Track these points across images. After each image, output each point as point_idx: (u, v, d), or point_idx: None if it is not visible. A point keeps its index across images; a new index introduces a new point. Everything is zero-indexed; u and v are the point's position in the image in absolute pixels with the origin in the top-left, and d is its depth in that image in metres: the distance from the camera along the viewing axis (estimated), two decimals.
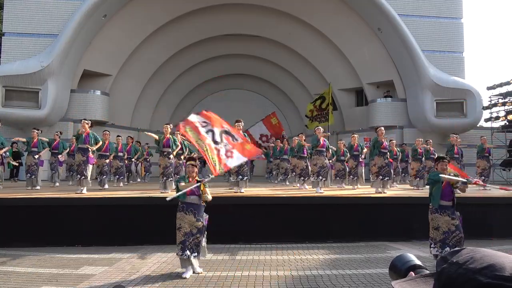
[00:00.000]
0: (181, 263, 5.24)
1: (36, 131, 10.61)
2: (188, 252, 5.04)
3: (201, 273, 5.25)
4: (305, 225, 7.83)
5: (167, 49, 18.49)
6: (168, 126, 9.36)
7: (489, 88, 16.06)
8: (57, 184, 11.30)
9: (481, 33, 54.60)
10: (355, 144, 11.28)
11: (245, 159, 5.21)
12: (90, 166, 9.02)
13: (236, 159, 5.04)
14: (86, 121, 9.16)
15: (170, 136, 9.24)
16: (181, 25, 17.55)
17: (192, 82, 21.99)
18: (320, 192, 9.05)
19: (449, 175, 5.35)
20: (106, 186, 10.51)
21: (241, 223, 7.67)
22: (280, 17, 17.68)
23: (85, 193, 8.54)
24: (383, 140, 9.65)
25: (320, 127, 9.86)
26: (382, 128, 10.04)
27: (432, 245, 5.46)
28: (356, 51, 17.78)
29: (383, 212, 8.04)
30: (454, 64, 16.66)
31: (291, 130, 23.83)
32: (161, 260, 6.10)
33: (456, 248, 0.70)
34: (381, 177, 9.52)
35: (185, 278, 5.03)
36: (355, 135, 11.43)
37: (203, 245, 5.24)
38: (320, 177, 9.35)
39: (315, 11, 17.12)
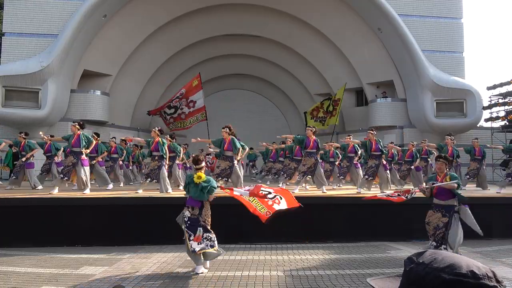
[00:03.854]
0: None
1: (24, 135, 10.49)
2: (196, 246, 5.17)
3: (202, 273, 5.26)
4: (305, 225, 7.83)
5: (167, 49, 18.50)
6: (155, 130, 9.28)
7: (489, 88, 16.07)
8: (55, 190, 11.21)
9: (481, 33, 54.63)
10: (350, 145, 11.11)
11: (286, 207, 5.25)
12: (87, 168, 9.01)
13: (283, 205, 5.18)
14: (75, 124, 9.01)
15: (160, 139, 9.16)
16: (181, 25, 17.56)
17: None
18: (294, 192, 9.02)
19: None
20: (110, 186, 10.44)
21: (241, 223, 7.66)
22: (280, 17, 17.69)
23: (87, 192, 8.56)
24: (372, 142, 9.45)
25: (313, 128, 9.58)
26: (372, 130, 9.75)
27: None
28: (356, 51, 17.78)
29: (383, 212, 8.04)
30: (454, 64, 16.67)
31: (291, 130, 23.80)
32: (161, 260, 6.09)
33: (420, 250, 0.85)
34: (366, 176, 9.53)
35: (197, 274, 5.19)
36: (350, 136, 11.19)
37: (211, 250, 5.24)
38: (306, 177, 9.31)
39: (315, 11, 17.13)
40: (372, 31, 16.89)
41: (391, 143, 11.68)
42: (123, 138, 12.84)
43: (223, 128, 8.79)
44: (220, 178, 8.56)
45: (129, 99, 18.62)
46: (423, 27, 16.40)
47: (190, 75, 21.05)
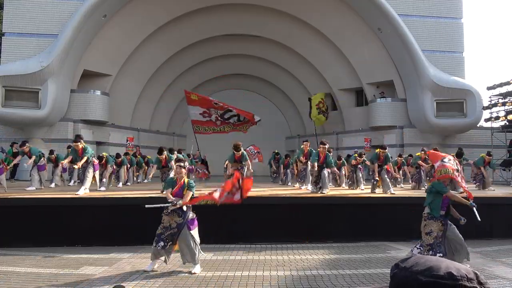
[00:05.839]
0: (151, 255, 5.36)
1: (27, 144, 10.56)
2: (162, 243, 5.24)
3: (194, 273, 5.23)
4: (305, 225, 7.83)
5: (167, 49, 18.50)
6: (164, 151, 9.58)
7: (489, 88, 16.04)
8: (53, 184, 11.28)
9: (481, 33, 54.64)
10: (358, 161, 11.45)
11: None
12: (95, 172, 9.18)
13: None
14: (77, 143, 9.00)
15: (167, 156, 9.56)
16: (181, 25, 17.55)
17: (192, 82, 21.98)
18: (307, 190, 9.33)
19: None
20: (103, 188, 10.50)
21: (241, 223, 7.66)
22: (280, 17, 17.68)
23: (87, 192, 8.58)
24: (381, 156, 9.78)
25: (327, 145, 9.84)
26: (386, 147, 10.12)
27: (418, 246, 5.47)
28: (356, 51, 17.78)
29: (383, 212, 8.04)
30: (454, 64, 16.66)
31: (291, 130, 23.84)
32: (161, 260, 6.09)
33: (406, 256, 0.88)
34: (374, 181, 9.84)
35: (146, 271, 5.29)
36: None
37: (195, 250, 5.29)
38: (319, 185, 9.48)
39: (315, 11, 17.12)
40: (372, 31, 16.88)
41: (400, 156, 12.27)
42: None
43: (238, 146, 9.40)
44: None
45: (129, 99, 18.61)
46: (423, 27, 16.39)
47: (190, 75, 21.08)
